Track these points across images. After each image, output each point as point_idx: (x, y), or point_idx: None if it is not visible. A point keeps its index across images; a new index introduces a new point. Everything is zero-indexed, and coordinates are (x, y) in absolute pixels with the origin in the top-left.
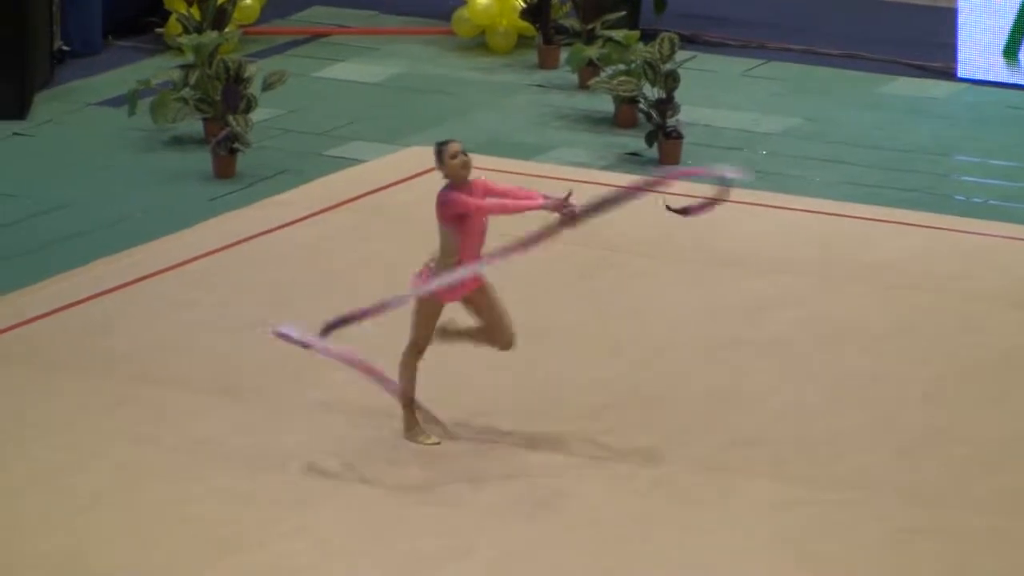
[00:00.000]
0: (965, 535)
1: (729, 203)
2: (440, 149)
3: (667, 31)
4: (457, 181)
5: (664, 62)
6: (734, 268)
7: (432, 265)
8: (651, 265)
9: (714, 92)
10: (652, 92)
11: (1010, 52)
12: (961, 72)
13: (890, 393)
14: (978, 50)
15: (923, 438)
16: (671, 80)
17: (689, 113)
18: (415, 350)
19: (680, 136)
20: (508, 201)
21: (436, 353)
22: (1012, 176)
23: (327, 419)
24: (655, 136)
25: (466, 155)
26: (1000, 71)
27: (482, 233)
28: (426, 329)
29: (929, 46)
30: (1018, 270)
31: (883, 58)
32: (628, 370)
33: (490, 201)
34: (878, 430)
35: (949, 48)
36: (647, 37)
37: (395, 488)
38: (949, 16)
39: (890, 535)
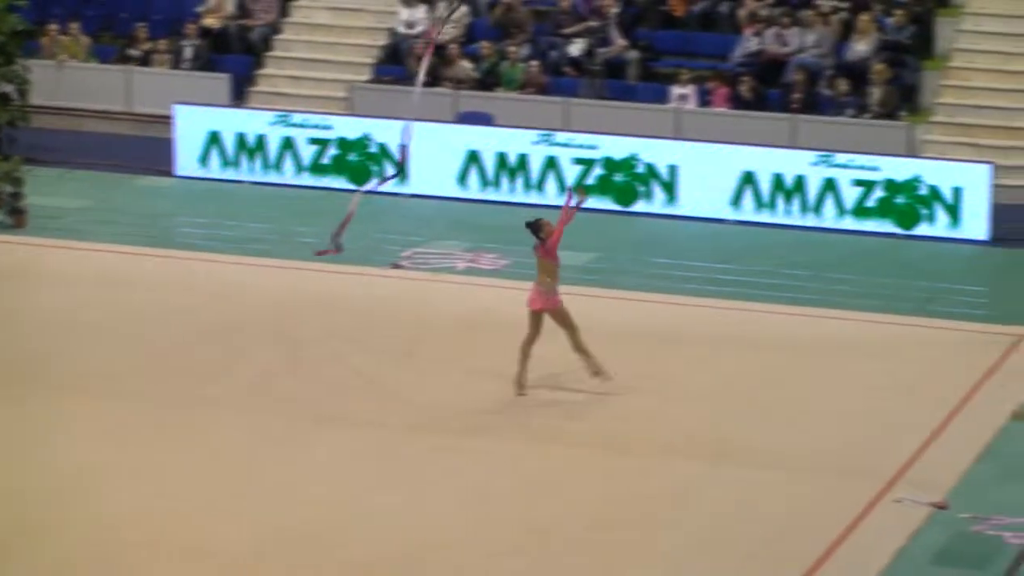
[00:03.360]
0: None
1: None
2: (540, 224)
3: (16, 156)
4: (550, 236)
5: (14, 172)
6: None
7: (541, 287)
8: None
9: (46, 187)
10: (8, 188)
11: (202, 160)
12: (177, 172)
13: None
14: (187, 159)
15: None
16: (19, 182)
17: (31, 200)
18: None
19: (24, 212)
20: (560, 223)
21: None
22: (217, 227)
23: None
24: (12, 212)
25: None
26: (197, 170)
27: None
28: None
29: (158, 158)
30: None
31: (145, 167)
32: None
33: (558, 231)
34: None
35: (170, 157)
36: (7, 159)
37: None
38: (170, 142)
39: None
